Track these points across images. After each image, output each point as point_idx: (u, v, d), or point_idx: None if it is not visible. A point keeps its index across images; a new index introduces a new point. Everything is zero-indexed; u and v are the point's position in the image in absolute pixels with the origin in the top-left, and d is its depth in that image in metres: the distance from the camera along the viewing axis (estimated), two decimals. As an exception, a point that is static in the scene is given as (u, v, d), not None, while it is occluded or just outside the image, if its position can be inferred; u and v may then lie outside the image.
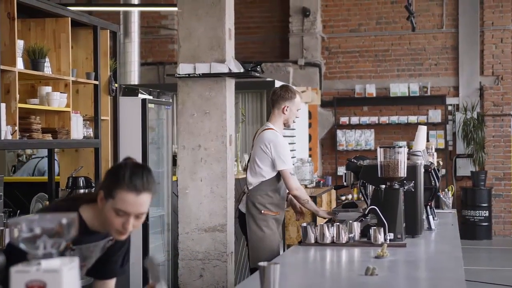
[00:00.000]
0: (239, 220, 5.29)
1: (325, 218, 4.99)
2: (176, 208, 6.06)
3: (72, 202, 2.74)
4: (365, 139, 12.75)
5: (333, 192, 11.06)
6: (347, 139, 12.82)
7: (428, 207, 5.01)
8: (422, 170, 4.67)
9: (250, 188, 5.10)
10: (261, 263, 2.70)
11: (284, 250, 6.17)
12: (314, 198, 9.11)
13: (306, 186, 10.37)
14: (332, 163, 12.98)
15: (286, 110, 5.14)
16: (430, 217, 4.97)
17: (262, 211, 5.06)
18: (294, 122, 5.32)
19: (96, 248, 2.75)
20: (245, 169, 8.38)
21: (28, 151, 9.06)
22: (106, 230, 2.67)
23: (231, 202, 5.70)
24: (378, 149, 4.41)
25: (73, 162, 5.68)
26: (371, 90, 12.78)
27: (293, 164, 9.85)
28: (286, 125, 5.25)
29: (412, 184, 4.49)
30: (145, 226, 6.21)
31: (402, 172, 4.35)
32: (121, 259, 2.90)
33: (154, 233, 6.66)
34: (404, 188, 4.43)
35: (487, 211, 12.14)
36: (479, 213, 12.11)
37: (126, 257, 2.91)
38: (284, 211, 5.29)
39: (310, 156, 12.02)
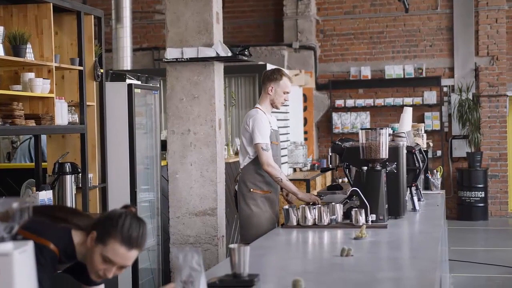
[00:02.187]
0: (235, 199, 5.39)
1: (305, 201, 4.99)
2: (166, 193, 6.09)
3: (65, 223, 2.74)
4: (360, 121, 12.74)
5: (328, 174, 11.09)
6: (343, 122, 12.81)
7: (413, 188, 5.01)
8: (405, 151, 4.67)
9: (241, 167, 5.24)
10: (231, 245, 2.72)
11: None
12: (307, 181, 9.13)
13: (301, 169, 10.41)
14: (328, 146, 12.96)
15: (271, 91, 5.23)
16: (415, 198, 4.97)
17: (251, 190, 5.16)
18: (283, 104, 5.37)
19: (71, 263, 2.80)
20: (236, 153, 8.42)
21: (22, 138, 9.07)
22: (86, 264, 2.70)
23: (221, 186, 5.72)
24: (360, 131, 4.42)
25: (60, 148, 5.69)
26: (366, 72, 12.75)
27: (286, 148, 9.94)
28: (274, 106, 5.30)
29: (394, 166, 4.50)
30: (133, 212, 6.22)
31: (384, 154, 4.35)
32: None
33: (144, 217, 6.66)
34: (386, 170, 4.44)
35: (483, 192, 12.15)
36: (475, 194, 12.12)
37: None
38: (277, 190, 5.32)
39: (306, 139, 12.03)
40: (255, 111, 5.20)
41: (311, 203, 4.89)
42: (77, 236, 2.69)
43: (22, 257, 1.73)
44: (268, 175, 5.12)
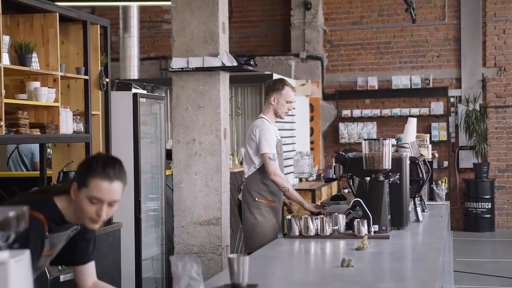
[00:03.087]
0: (238, 209, 5.41)
1: (311, 212, 5.02)
2: (170, 202, 6.09)
3: (45, 194, 2.82)
4: (367, 131, 12.73)
5: (334, 185, 11.07)
6: (349, 132, 12.80)
7: (417, 199, 5.00)
8: (408, 162, 4.66)
9: (245, 176, 5.27)
10: (230, 255, 2.73)
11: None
12: (313, 191, 9.12)
13: (306, 179, 10.40)
14: (334, 156, 12.93)
15: (274, 101, 5.28)
16: (418, 208, 4.96)
17: (256, 199, 5.19)
18: (287, 114, 5.39)
19: (64, 237, 2.83)
20: (241, 162, 8.43)
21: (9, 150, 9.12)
22: (79, 221, 2.76)
23: (226, 195, 5.72)
24: (363, 141, 4.42)
25: (65, 156, 5.72)
26: (373, 82, 12.75)
27: (292, 157, 9.94)
28: (277, 116, 5.35)
29: (397, 176, 4.49)
30: (137, 221, 6.24)
31: (387, 164, 4.35)
32: (91, 244, 2.99)
33: (148, 226, 6.70)
34: (389, 180, 4.43)
35: (490, 203, 12.11)
36: (482, 205, 12.08)
37: (94, 242, 3.02)
38: (281, 200, 5.33)
39: (312, 149, 12.03)
40: (261, 121, 5.24)
41: (315, 213, 4.91)
42: (60, 201, 2.76)
43: (18, 266, 1.73)
44: (275, 184, 5.14)
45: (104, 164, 2.67)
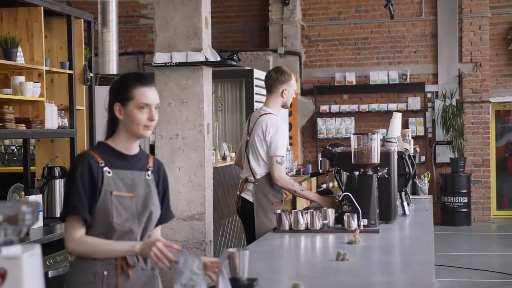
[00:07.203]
0: (241, 208, 5.01)
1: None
2: (154, 197, 6.06)
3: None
4: (345, 127, 12.80)
5: (313, 180, 11.11)
6: (328, 127, 12.86)
7: (403, 193, 5.04)
8: (396, 156, 4.70)
9: (258, 177, 4.89)
10: (230, 249, 2.72)
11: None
12: (293, 186, 9.13)
13: (286, 174, 10.42)
14: (313, 151, 13.02)
15: (285, 93, 4.96)
16: (405, 203, 5.00)
17: (273, 203, 4.91)
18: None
19: (135, 177, 2.88)
20: (224, 158, 8.41)
21: (6, 142, 9.03)
22: (134, 137, 2.87)
23: (209, 190, 5.71)
24: (352, 136, 4.44)
25: (49, 152, 5.67)
26: (351, 78, 12.82)
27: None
28: (285, 107, 5.05)
29: (385, 171, 4.52)
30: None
31: (376, 159, 4.38)
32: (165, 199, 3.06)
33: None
34: (378, 175, 4.46)
35: (466, 197, 12.24)
36: (458, 199, 12.21)
37: (167, 196, 3.08)
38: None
39: (291, 144, 12.06)
40: (275, 119, 4.90)
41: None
42: (110, 141, 2.90)
43: (31, 260, 1.72)
44: (281, 188, 4.90)
45: (136, 76, 2.88)
